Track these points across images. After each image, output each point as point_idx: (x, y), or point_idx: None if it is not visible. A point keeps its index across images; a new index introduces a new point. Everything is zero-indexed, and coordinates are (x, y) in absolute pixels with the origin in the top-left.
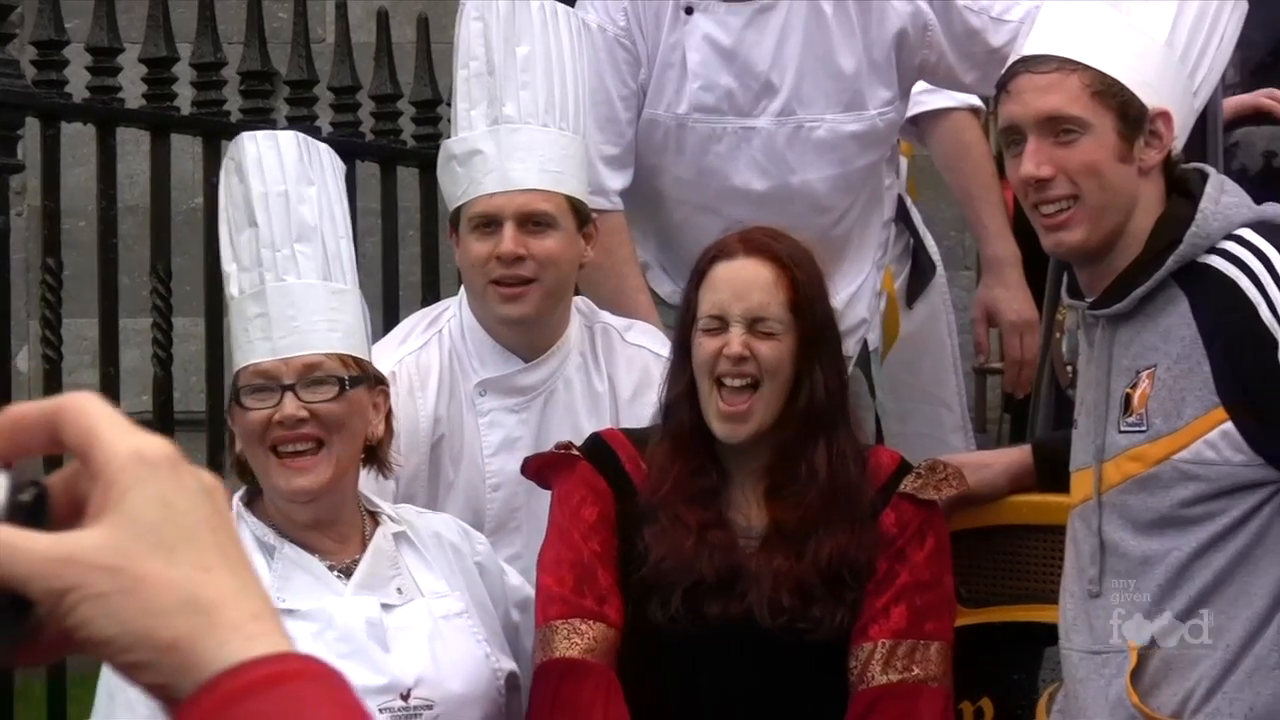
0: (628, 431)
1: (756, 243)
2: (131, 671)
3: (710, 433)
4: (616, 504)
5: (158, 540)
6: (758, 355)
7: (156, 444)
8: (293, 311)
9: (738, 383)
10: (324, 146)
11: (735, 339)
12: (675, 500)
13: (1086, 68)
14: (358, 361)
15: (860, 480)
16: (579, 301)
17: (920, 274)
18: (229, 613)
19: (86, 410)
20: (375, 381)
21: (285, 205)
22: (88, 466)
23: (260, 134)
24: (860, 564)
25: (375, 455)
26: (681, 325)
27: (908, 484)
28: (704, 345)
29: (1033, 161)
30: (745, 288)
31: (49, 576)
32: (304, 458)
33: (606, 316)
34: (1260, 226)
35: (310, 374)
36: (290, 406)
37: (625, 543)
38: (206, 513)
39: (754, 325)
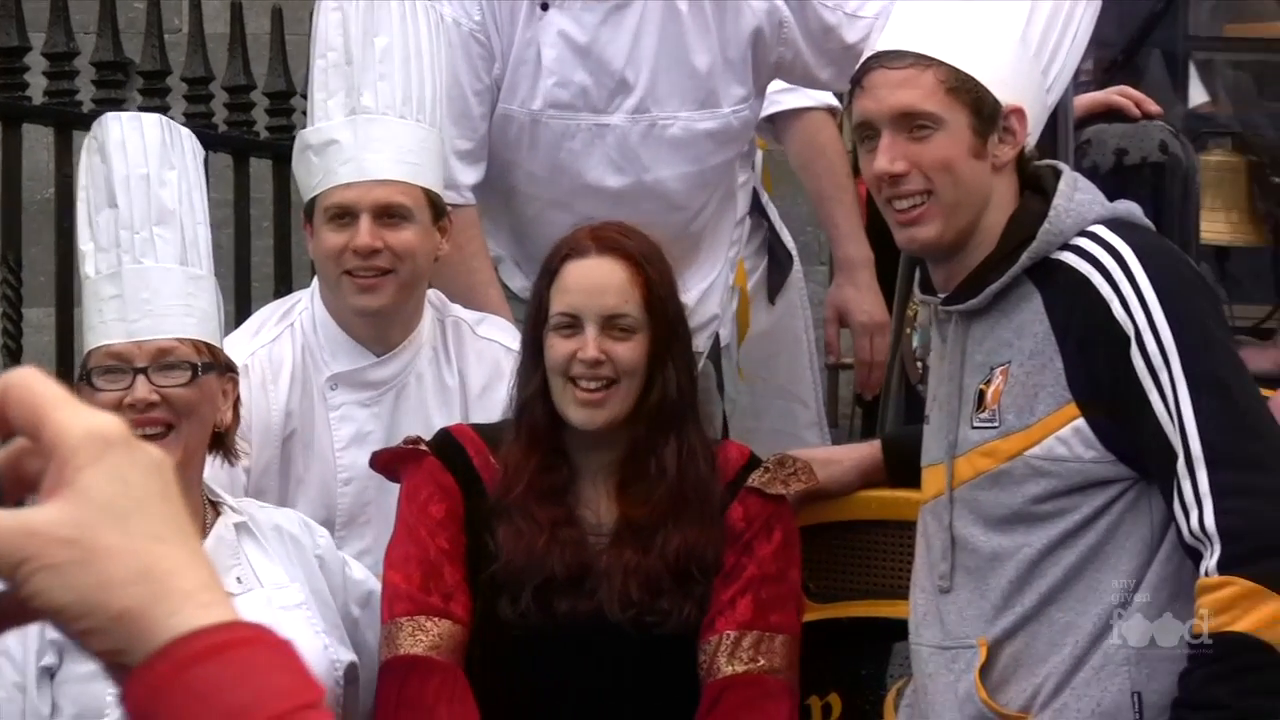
0: (477, 427)
1: (609, 240)
2: (85, 639)
3: (562, 430)
4: (465, 500)
5: (113, 513)
6: (613, 357)
7: (109, 422)
8: (148, 294)
9: (593, 385)
10: (186, 132)
11: (591, 342)
12: (527, 497)
13: (941, 64)
14: (210, 348)
15: (709, 476)
16: (431, 295)
17: (778, 268)
18: (181, 581)
19: (32, 388)
20: (225, 369)
21: (146, 188)
22: (38, 443)
23: (125, 115)
24: (708, 559)
25: (222, 442)
26: (533, 323)
27: (755, 478)
28: (557, 346)
29: (887, 157)
30: (599, 287)
31: (7, 548)
32: (152, 442)
33: (458, 310)
34: (1113, 223)
35: (163, 358)
36: (142, 390)
37: (474, 539)
38: (158, 486)
39: (608, 325)
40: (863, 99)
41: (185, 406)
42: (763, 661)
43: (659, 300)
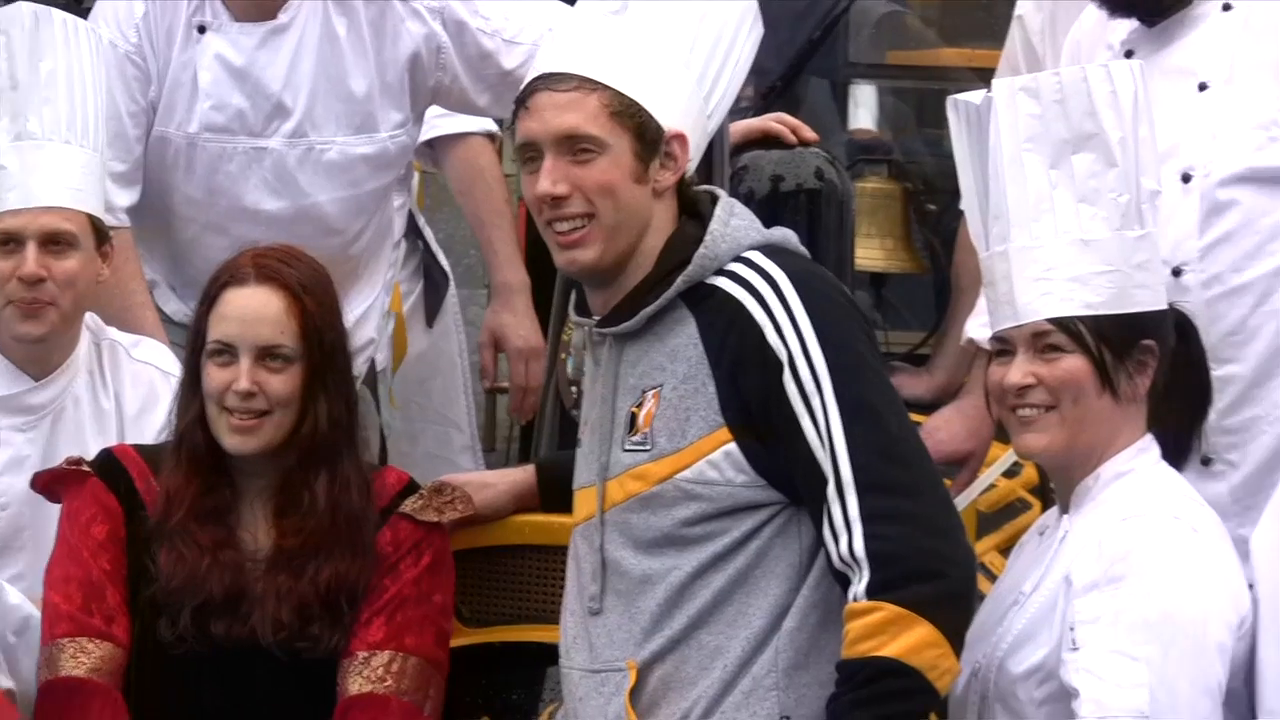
0: (139, 448)
1: (269, 269)
2: None
3: (223, 454)
4: (126, 522)
5: None
6: (266, 389)
7: None
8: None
9: (247, 417)
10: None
11: (244, 373)
12: (188, 520)
13: (606, 87)
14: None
15: (363, 507)
16: (88, 318)
17: (435, 291)
18: None
19: None
20: None
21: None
22: None
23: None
24: (358, 589)
25: None
26: (192, 349)
27: (408, 505)
28: (213, 375)
29: (549, 179)
30: (255, 318)
31: None
32: None
33: (113, 333)
34: (768, 249)
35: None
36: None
37: (134, 561)
38: None
39: (263, 357)
40: (526, 120)
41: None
42: (390, 682)
43: (315, 331)
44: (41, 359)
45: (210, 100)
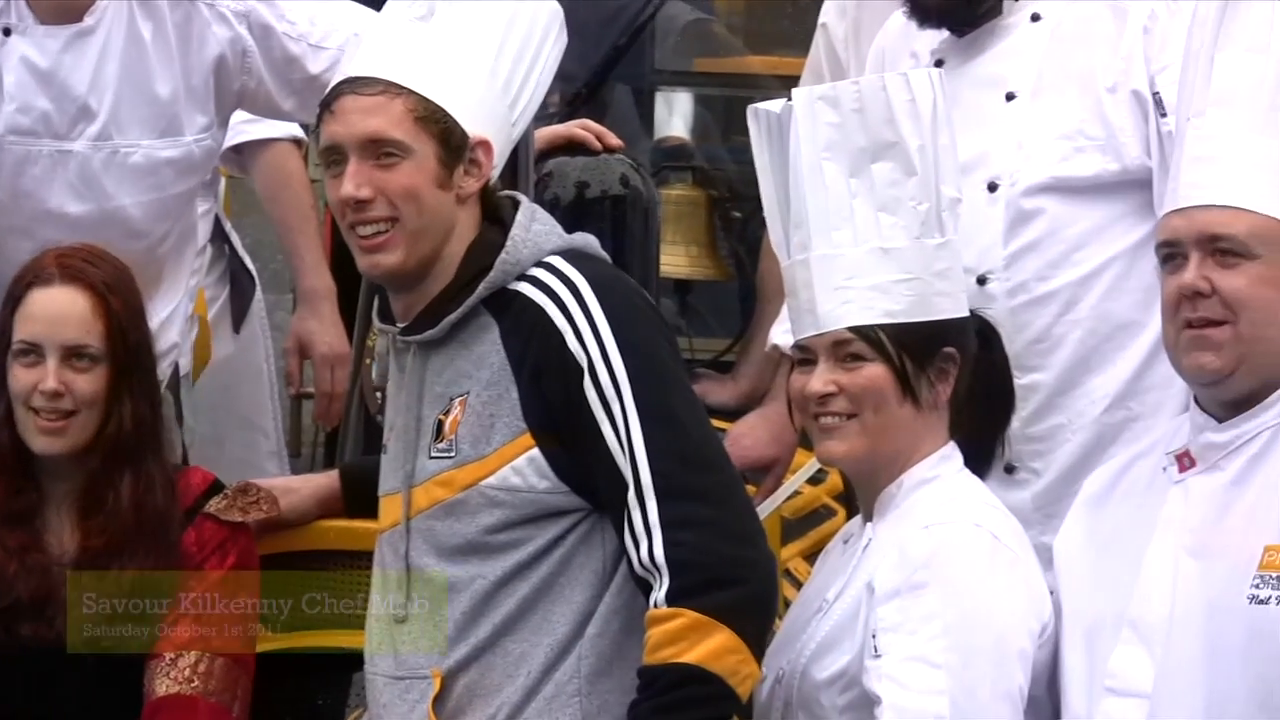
0: None
1: (73, 269)
2: None
3: (30, 456)
4: None
5: None
6: (73, 389)
7: None
8: None
9: (53, 417)
10: None
11: (51, 373)
12: None
13: (411, 92)
14: None
15: (168, 507)
16: None
17: (241, 296)
18: None
19: None
20: None
21: None
22: None
23: None
24: (164, 590)
25: None
26: None
27: (213, 505)
28: (20, 376)
29: (353, 183)
30: (60, 318)
31: None
32: None
33: None
34: (569, 254)
35: None
36: None
37: None
38: None
39: (69, 357)
40: (331, 124)
41: None
42: (197, 683)
43: (121, 331)
44: None
45: (15, 103)
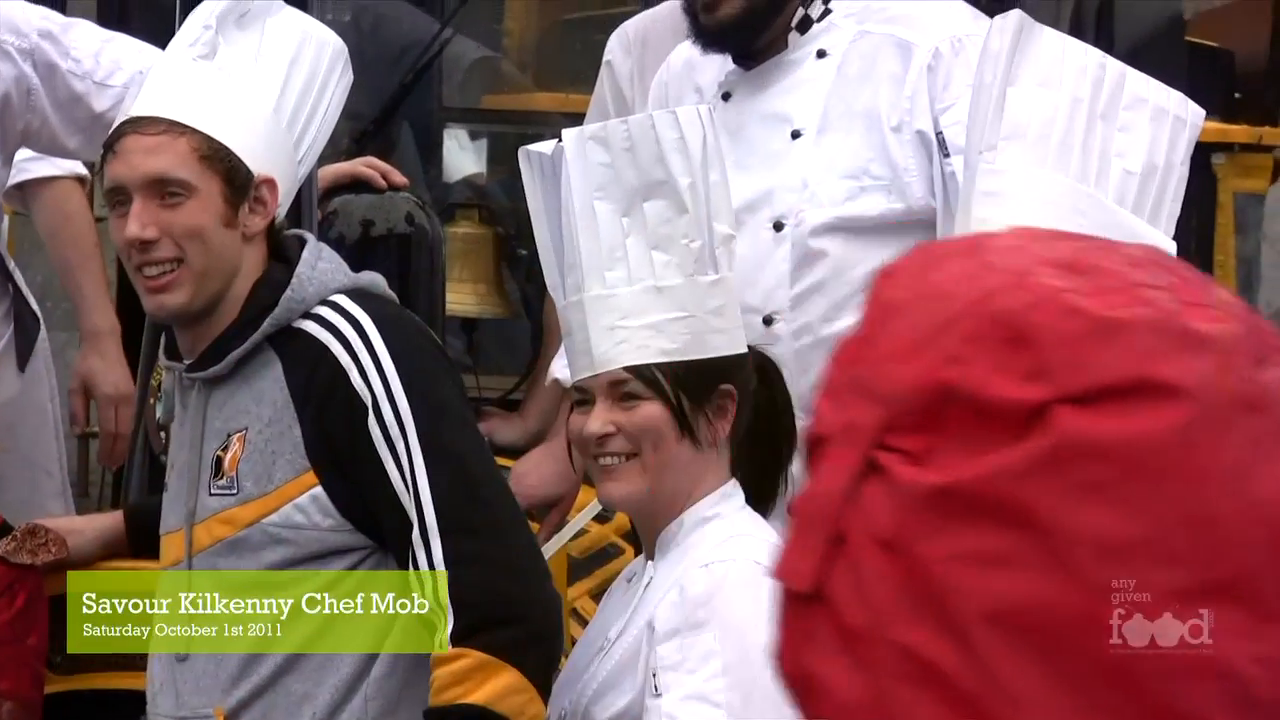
0: None
1: None
2: None
3: None
4: None
5: None
6: None
7: None
8: None
9: None
10: None
11: None
12: None
13: (195, 131)
14: None
15: None
16: None
17: (25, 335)
18: None
19: None
20: None
21: None
22: None
23: None
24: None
25: None
26: None
27: (2, 547)
28: None
29: (138, 223)
30: None
31: None
32: None
33: None
34: (355, 293)
35: None
36: None
37: None
38: None
39: None
40: (115, 164)
41: None
42: None
43: None
44: None
45: None
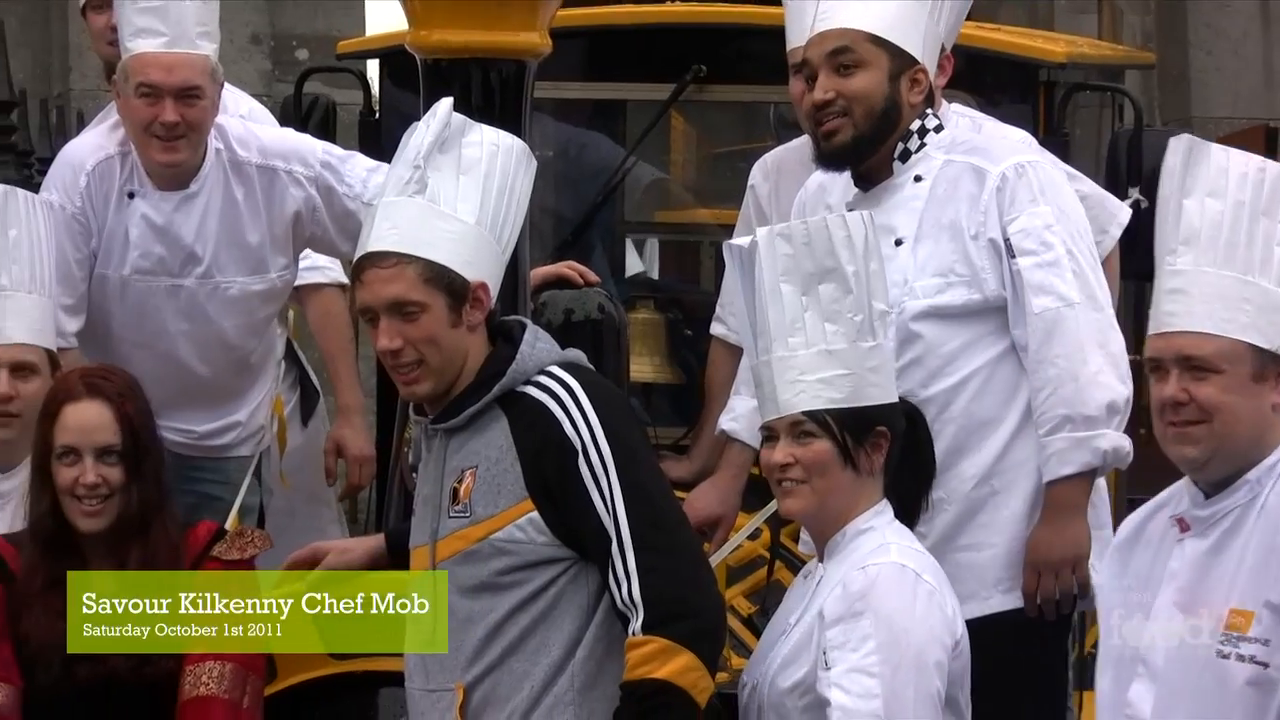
0: (6, 535)
1: (94, 385)
2: None
3: (73, 533)
4: (7, 592)
5: None
6: (108, 481)
7: None
8: None
9: (93, 501)
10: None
11: (89, 469)
12: (48, 592)
13: (418, 259)
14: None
15: (174, 562)
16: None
17: (308, 400)
18: None
19: None
20: None
21: None
22: None
23: None
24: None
25: None
26: (40, 454)
27: (216, 549)
28: (63, 474)
29: (385, 337)
30: (91, 425)
31: None
32: None
33: None
34: (565, 365)
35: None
36: None
37: (13, 624)
38: None
39: (101, 456)
40: (362, 291)
41: None
42: (213, 686)
43: (133, 429)
44: (6, 455)
45: (138, 250)
